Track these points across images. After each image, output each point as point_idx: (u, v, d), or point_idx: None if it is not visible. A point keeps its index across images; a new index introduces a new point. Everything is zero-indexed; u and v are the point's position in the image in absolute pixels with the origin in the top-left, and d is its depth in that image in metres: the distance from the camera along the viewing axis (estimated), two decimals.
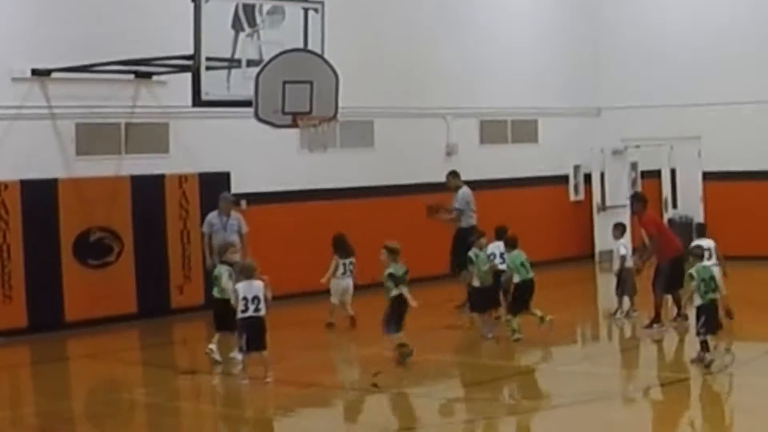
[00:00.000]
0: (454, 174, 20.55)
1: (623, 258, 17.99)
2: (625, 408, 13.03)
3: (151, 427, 13.37)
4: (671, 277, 17.15)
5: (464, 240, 18.40)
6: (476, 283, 17.01)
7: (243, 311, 14.31)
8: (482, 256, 17.05)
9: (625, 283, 18.02)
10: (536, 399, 13.68)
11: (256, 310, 14.30)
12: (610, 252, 26.12)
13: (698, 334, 14.50)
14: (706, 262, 15.24)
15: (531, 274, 16.63)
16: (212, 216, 18.55)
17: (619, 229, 18.50)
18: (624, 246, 18.26)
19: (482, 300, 16.98)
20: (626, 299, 18.06)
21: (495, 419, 12.92)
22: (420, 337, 17.54)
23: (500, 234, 18.07)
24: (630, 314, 17.95)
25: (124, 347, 17.82)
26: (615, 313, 18.12)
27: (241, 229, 18.52)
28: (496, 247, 17.74)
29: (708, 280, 14.50)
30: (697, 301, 14.53)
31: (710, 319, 14.41)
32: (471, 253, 17.11)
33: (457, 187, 20.26)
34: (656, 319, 17.22)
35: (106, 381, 15.83)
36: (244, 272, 14.67)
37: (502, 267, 17.31)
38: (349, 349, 17.72)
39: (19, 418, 13.58)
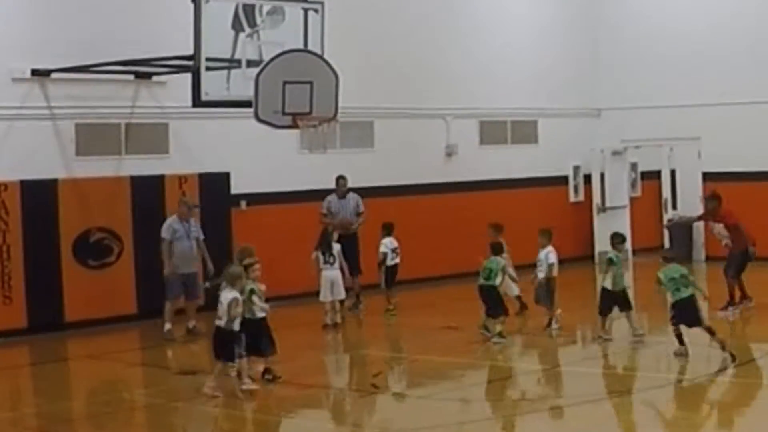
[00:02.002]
0: None
1: (551, 266, 17.30)
2: (625, 408, 13.02)
3: (151, 427, 13.37)
4: (741, 265, 18.58)
5: None
6: (608, 284, 16.57)
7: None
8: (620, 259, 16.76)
9: (553, 293, 17.40)
10: (536, 399, 13.67)
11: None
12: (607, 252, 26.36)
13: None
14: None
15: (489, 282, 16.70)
16: (173, 221, 18.11)
17: (546, 236, 17.66)
18: (552, 254, 17.49)
19: (610, 302, 16.62)
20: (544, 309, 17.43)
21: (495, 420, 12.92)
22: (420, 338, 17.59)
23: (388, 230, 19.42)
24: (552, 325, 17.23)
25: (123, 348, 17.81)
26: (549, 324, 17.25)
27: (199, 236, 18.30)
28: (386, 244, 19.15)
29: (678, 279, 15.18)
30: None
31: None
32: (612, 255, 16.68)
33: None
34: (731, 301, 18.44)
35: (106, 381, 15.82)
36: (230, 280, 13.99)
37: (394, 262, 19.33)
38: (349, 350, 17.71)
39: (19, 419, 13.56)
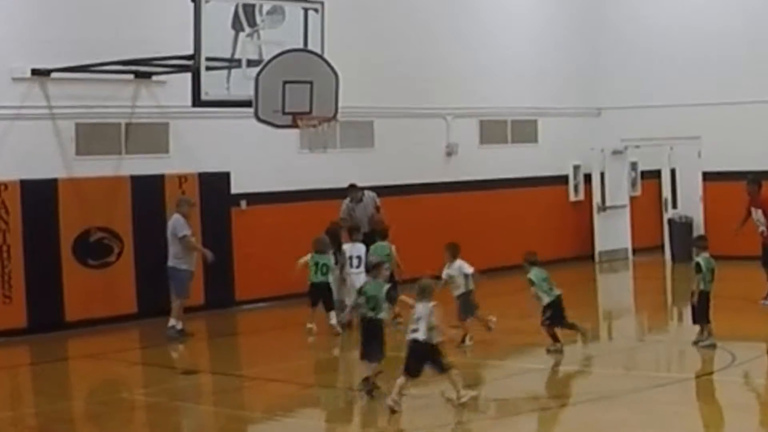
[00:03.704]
0: None
1: (467, 277, 16.41)
2: (625, 408, 13.01)
3: (151, 427, 13.36)
4: None
5: None
6: (703, 286, 15.76)
7: None
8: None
9: (474, 304, 16.50)
10: (537, 399, 13.66)
11: None
12: (611, 252, 26.41)
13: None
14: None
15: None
16: (181, 218, 17.91)
17: (451, 250, 16.62)
18: (467, 265, 16.45)
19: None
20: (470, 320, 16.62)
21: (495, 420, 12.92)
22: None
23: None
24: (466, 342, 16.26)
25: (124, 347, 17.81)
26: (463, 340, 16.26)
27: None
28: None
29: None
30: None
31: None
32: (699, 259, 15.84)
33: None
34: None
35: (106, 381, 15.83)
36: (426, 292, 13.04)
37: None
38: (349, 350, 17.70)
39: (19, 419, 13.57)
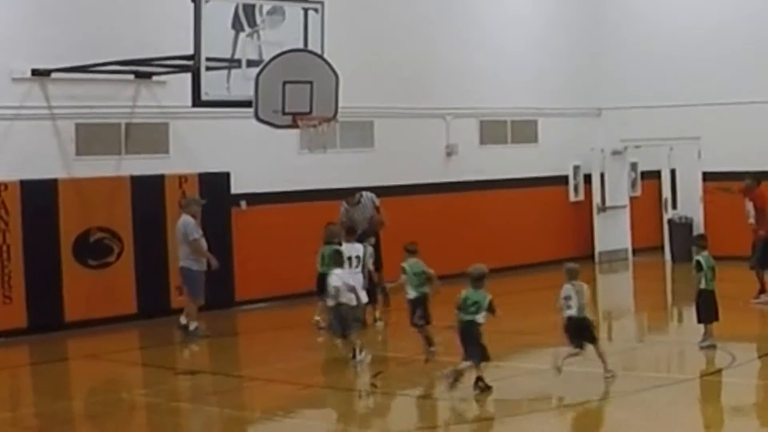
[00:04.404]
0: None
1: (337, 289, 15.76)
2: (625, 408, 13.01)
3: (151, 427, 13.37)
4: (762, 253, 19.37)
5: None
6: (704, 285, 15.65)
7: None
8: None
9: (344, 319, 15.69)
10: (536, 400, 13.66)
11: None
12: (611, 252, 26.41)
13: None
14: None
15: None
16: (191, 219, 17.93)
17: (338, 258, 16.47)
18: (338, 276, 15.77)
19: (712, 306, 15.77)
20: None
21: (495, 420, 12.91)
22: (419, 338, 17.55)
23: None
24: (357, 356, 15.56)
25: (123, 348, 17.82)
26: (354, 356, 15.61)
27: None
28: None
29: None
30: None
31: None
32: (700, 257, 15.68)
33: None
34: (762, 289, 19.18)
35: (105, 381, 15.83)
36: (573, 274, 14.45)
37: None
38: (350, 350, 17.68)
39: (18, 419, 13.57)
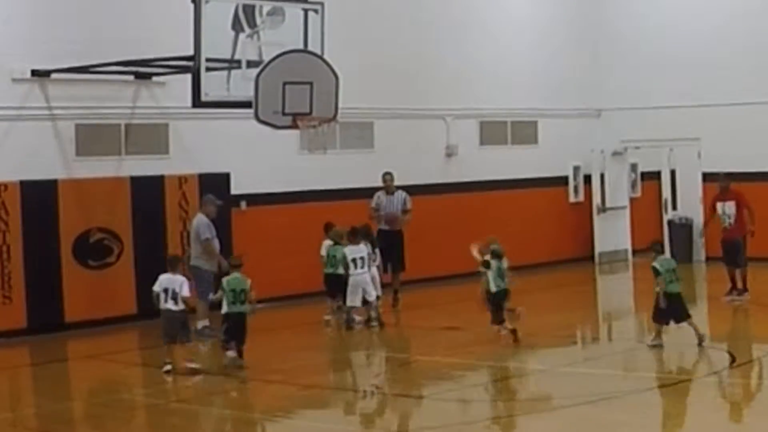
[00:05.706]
0: None
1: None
2: (625, 409, 13.01)
3: (151, 427, 13.37)
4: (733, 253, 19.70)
5: None
6: (668, 288, 15.77)
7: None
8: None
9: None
10: (536, 400, 13.67)
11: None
12: (611, 253, 26.41)
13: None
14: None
15: None
16: (205, 219, 17.91)
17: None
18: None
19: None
20: None
21: (495, 420, 12.92)
22: (421, 338, 17.58)
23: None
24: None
25: (124, 348, 17.81)
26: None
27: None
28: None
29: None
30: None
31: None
32: (656, 263, 15.90)
33: None
34: (744, 288, 19.57)
35: (106, 382, 15.82)
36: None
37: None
38: (350, 350, 17.71)
39: (19, 419, 13.57)
